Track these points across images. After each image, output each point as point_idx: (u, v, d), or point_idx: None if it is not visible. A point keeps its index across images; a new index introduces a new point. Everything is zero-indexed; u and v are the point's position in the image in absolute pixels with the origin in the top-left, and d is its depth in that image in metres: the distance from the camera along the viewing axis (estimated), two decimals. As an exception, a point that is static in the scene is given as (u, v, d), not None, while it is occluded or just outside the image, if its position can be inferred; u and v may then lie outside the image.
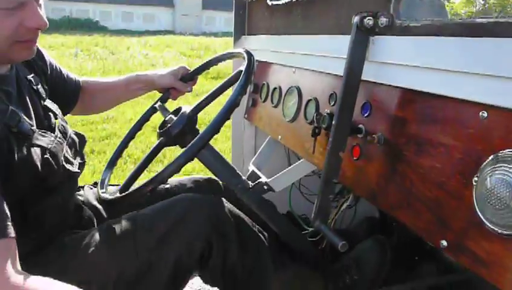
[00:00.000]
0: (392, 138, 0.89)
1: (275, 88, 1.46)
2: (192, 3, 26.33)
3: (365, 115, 0.98)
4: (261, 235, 1.18)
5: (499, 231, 0.64)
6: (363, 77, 0.93)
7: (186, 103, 1.37)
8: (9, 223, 0.80)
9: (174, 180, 1.37)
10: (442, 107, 0.78)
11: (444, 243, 0.74)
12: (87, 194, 1.28)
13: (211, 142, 1.09)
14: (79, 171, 1.09)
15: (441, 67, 0.76)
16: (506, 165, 0.63)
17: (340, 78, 0.99)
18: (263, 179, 1.34)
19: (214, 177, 1.39)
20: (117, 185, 1.34)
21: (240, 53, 1.21)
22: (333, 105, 1.11)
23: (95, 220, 1.21)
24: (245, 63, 1.12)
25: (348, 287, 1.25)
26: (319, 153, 1.14)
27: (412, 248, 1.47)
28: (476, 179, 0.68)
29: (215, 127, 1.02)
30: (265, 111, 1.53)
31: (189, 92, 1.42)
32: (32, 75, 1.09)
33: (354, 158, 0.99)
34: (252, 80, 1.15)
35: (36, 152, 0.94)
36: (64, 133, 1.09)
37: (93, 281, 0.98)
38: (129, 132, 1.40)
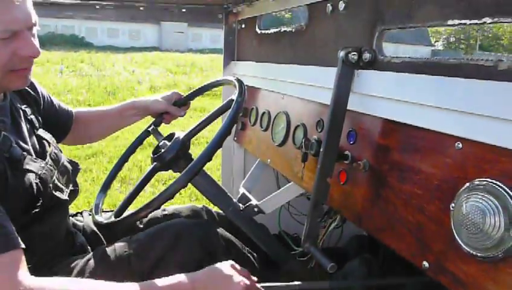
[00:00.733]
0: (376, 165, 0.95)
1: (263, 112, 1.51)
2: (178, 20, 26.48)
3: (351, 142, 1.04)
4: (250, 257, 1.22)
5: (475, 253, 0.70)
6: (349, 107, 0.99)
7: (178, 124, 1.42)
8: (16, 235, 0.84)
9: (171, 207, 1.41)
10: (422, 138, 0.84)
11: (426, 264, 0.80)
12: (87, 220, 1.30)
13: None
14: (68, 199, 1.10)
15: (420, 101, 0.82)
16: (479, 193, 0.69)
17: (326, 106, 1.04)
18: (253, 201, 1.38)
19: (207, 205, 1.44)
20: (112, 210, 1.36)
21: (232, 81, 1.26)
22: (320, 131, 1.17)
23: (88, 246, 1.23)
24: (236, 92, 1.17)
25: None
26: (307, 177, 1.19)
27: (399, 266, 1.53)
28: (453, 205, 0.74)
29: (208, 155, 1.06)
30: (255, 134, 1.58)
31: (182, 116, 1.46)
32: (25, 105, 1.12)
33: (341, 183, 1.05)
34: (242, 108, 1.20)
35: (26, 177, 0.97)
36: (56, 160, 1.11)
37: None
38: (123, 155, 1.43)
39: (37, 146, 1.09)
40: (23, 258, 0.84)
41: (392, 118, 0.91)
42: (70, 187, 1.14)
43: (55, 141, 1.16)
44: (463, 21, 0.75)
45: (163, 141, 1.25)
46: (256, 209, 1.35)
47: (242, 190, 1.51)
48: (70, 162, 1.17)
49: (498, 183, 0.67)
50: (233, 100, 1.14)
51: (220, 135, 1.05)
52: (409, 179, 0.86)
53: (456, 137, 0.76)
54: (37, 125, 1.13)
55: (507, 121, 0.66)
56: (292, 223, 1.61)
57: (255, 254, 1.26)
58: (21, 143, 1.01)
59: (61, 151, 1.16)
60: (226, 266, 1.00)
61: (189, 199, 3.21)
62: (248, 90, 1.62)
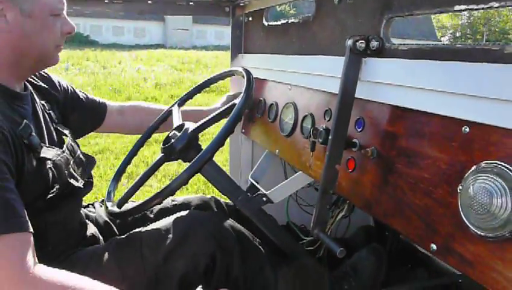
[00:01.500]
0: (384, 151, 0.97)
1: (271, 104, 1.53)
2: (183, 17, 26.57)
3: (359, 130, 1.05)
4: (261, 248, 1.24)
5: (482, 234, 0.71)
6: (357, 95, 1.01)
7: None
8: (27, 219, 0.85)
9: (180, 198, 1.43)
10: (429, 123, 0.86)
11: (434, 246, 0.81)
12: (98, 211, 1.33)
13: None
14: (82, 187, 1.13)
15: (427, 86, 0.84)
16: (486, 174, 0.71)
17: (334, 95, 1.06)
18: (262, 191, 1.40)
19: (217, 196, 1.46)
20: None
21: (240, 72, 1.28)
22: (328, 120, 1.18)
23: (101, 237, 1.26)
24: (244, 81, 1.19)
25: None
26: (316, 166, 1.21)
27: (406, 255, 1.55)
28: (460, 187, 0.76)
29: (218, 143, 1.08)
30: (263, 126, 1.60)
31: None
32: (44, 101, 1.16)
33: (349, 170, 1.07)
34: (252, 96, 1.22)
35: (41, 164, 1.00)
36: (72, 151, 1.14)
37: None
38: (143, 135, 1.47)
39: (55, 138, 1.12)
40: (32, 242, 0.85)
41: (399, 104, 0.93)
42: (85, 178, 1.17)
43: (72, 135, 1.20)
44: (470, 6, 0.76)
45: (173, 132, 1.27)
46: (264, 199, 1.36)
47: (251, 180, 1.53)
48: (86, 155, 1.20)
49: (505, 164, 0.68)
50: (241, 92, 1.16)
51: (231, 120, 1.06)
52: (417, 164, 0.87)
53: (463, 121, 0.77)
54: (55, 119, 1.17)
55: (513, 102, 0.67)
56: (300, 215, 1.63)
57: (265, 246, 1.27)
58: (39, 133, 1.04)
59: (78, 146, 1.19)
60: None
61: (196, 193, 3.24)
62: (256, 82, 1.64)
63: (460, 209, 0.75)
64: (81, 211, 1.25)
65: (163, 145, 1.25)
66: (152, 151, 4.20)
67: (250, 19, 1.74)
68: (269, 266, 1.22)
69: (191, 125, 1.23)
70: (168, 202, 1.41)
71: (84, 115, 1.36)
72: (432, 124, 0.85)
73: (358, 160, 1.05)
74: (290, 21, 1.46)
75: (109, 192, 1.29)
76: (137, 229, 1.19)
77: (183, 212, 1.22)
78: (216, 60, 14.22)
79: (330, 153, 1.01)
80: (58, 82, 1.28)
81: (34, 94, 1.13)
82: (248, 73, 1.30)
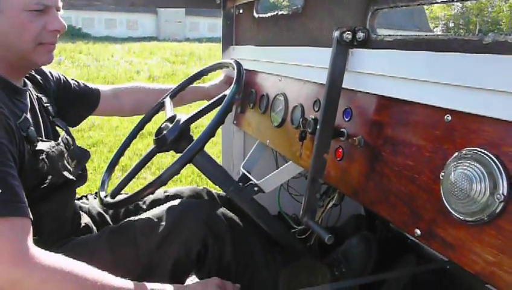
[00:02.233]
0: (371, 140, 0.99)
1: (262, 95, 1.55)
2: (176, 10, 26.38)
3: (347, 119, 1.08)
4: (252, 234, 1.27)
5: (463, 218, 0.74)
6: (344, 85, 1.03)
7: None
8: (27, 206, 0.87)
9: (173, 189, 1.46)
10: (413, 112, 0.88)
11: (418, 231, 0.84)
12: (92, 202, 1.35)
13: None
14: (76, 179, 1.15)
15: (411, 76, 0.86)
16: (466, 161, 0.73)
17: (323, 86, 1.08)
18: (253, 181, 1.42)
19: (209, 188, 1.48)
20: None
21: (230, 63, 1.29)
22: (317, 111, 1.20)
23: (94, 227, 1.28)
24: (235, 72, 1.20)
25: (337, 279, 1.34)
26: (305, 155, 1.23)
27: (395, 242, 1.58)
28: (442, 174, 0.78)
29: (209, 133, 1.10)
30: (254, 117, 1.62)
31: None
32: (41, 94, 1.18)
33: (338, 159, 1.09)
34: (242, 87, 1.24)
35: (36, 156, 1.02)
36: (67, 145, 1.16)
37: None
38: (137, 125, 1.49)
39: (50, 131, 1.15)
40: (31, 228, 0.87)
41: (385, 94, 0.95)
42: (79, 171, 1.19)
43: (68, 129, 1.22)
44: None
45: (165, 123, 1.28)
46: (256, 189, 1.38)
47: (242, 171, 1.55)
48: (81, 149, 1.22)
49: (484, 151, 0.71)
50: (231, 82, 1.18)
51: (222, 111, 1.08)
52: (402, 152, 0.90)
53: (445, 109, 0.80)
54: (52, 112, 1.19)
55: (492, 91, 0.69)
56: (291, 204, 1.65)
57: (256, 233, 1.30)
58: (36, 127, 1.07)
59: (73, 139, 1.21)
60: (213, 283, 1.06)
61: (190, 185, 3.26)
62: (247, 74, 1.66)
63: (442, 195, 0.78)
64: (74, 202, 1.26)
65: (155, 136, 1.27)
66: (146, 144, 4.20)
67: (241, 11, 1.75)
68: (260, 252, 1.24)
69: (182, 117, 1.25)
70: (160, 193, 1.43)
71: (78, 102, 1.37)
72: (416, 113, 0.87)
73: (346, 149, 1.07)
74: (279, 13, 1.48)
75: (103, 183, 1.31)
76: (130, 219, 1.21)
77: (176, 201, 1.24)
78: (209, 52, 14.17)
79: (318, 142, 1.03)
80: (50, 72, 1.30)
81: (32, 88, 1.14)
82: (238, 65, 1.32)
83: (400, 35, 0.92)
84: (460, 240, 0.75)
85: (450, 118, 0.79)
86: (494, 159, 0.69)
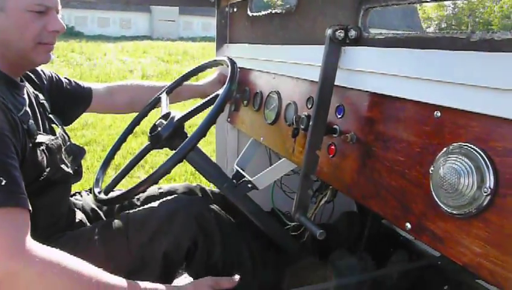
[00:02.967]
0: (363, 136, 1.01)
1: (256, 93, 1.56)
2: (169, 8, 26.30)
3: (339, 116, 1.09)
4: (241, 234, 1.28)
5: (451, 211, 0.76)
6: (336, 83, 1.04)
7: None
8: (27, 197, 0.88)
9: (166, 186, 1.46)
10: (404, 108, 0.90)
11: (408, 225, 0.86)
12: (85, 199, 1.36)
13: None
14: (72, 173, 1.17)
15: (401, 73, 0.88)
16: (455, 156, 0.75)
17: (316, 83, 1.09)
18: (247, 178, 1.43)
19: (203, 185, 1.49)
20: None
21: (224, 61, 1.30)
22: (310, 108, 1.22)
23: (88, 223, 1.29)
24: (229, 70, 1.21)
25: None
26: (298, 152, 1.25)
27: (387, 239, 1.60)
28: (432, 168, 0.80)
29: (203, 130, 1.11)
30: (248, 115, 1.63)
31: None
32: (37, 92, 1.20)
33: (330, 155, 1.10)
34: (236, 86, 1.25)
35: (36, 149, 1.03)
36: (64, 140, 1.17)
37: None
38: (130, 124, 1.49)
39: (47, 127, 1.16)
40: (29, 221, 0.88)
41: (376, 91, 0.97)
42: (75, 167, 1.20)
43: (63, 126, 1.24)
44: (440, -4, 0.80)
45: (159, 120, 1.29)
46: (250, 186, 1.40)
47: (236, 168, 1.56)
48: (76, 146, 1.24)
49: (471, 146, 0.73)
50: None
51: (214, 111, 1.09)
52: (393, 148, 0.91)
53: (435, 106, 0.82)
54: (48, 109, 1.20)
55: (479, 87, 0.71)
56: (284, 201, 1.66)
57: (246, 232, 1.31)
58: (35, 122, 1.08)
59: (68, 136, 1.22)
60: (206, 283, 1.07)
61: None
62: (241, 72, 1.67)
63: (432, 189, 0.80)
64: (69, 199, 1.27)
65: (150, 133, 1.28)
66: (139, 142, 4.20)
67: (235, 9, 1.76)
68: (248, 252, 1.26)
69: (177, 114, 1.25)
70: (154, 189, 1.44)
71: (70, 100, 1.38)
72: (407, 109, 0.89)
73: (338, 146, 1.09)
74: (273, 11, 1.49)
75: (97, 179, 1.31)
76: (123, 213, 1.23)
77: (168, 197, 1.25)
78: (203, 51, 14.16)
79: (311, 139, 1.04)
80: (42, 71, 1.31)
81: (28, 86, 1.15)
82: (232, 63, 1.33)
83: (391, 33, 0.94)
84: (449, 232, 0.77)
85: (439, 114, 0.81)
86: (482, 153, 0.71)
